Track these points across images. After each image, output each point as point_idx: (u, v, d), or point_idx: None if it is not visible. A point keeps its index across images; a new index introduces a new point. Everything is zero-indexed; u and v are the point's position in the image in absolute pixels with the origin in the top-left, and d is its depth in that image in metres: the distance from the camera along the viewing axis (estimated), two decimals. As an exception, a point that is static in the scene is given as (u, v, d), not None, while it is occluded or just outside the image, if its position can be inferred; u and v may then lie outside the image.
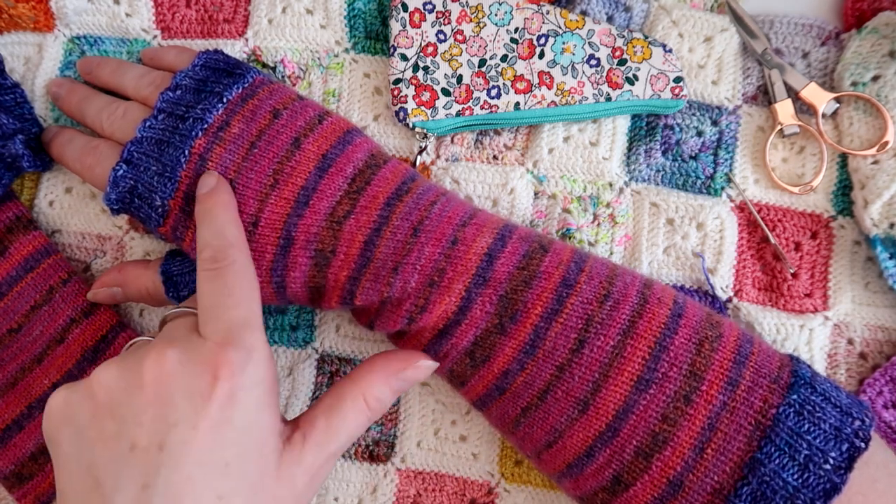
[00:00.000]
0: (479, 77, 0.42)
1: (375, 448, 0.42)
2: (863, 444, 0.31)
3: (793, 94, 0.42)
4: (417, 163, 0.43)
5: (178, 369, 0.30)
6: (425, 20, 0.42)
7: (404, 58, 0.42)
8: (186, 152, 0.37)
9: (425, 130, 0.42)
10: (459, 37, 0.42)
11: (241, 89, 0.39)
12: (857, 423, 0.32)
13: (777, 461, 0.31)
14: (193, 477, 0.28)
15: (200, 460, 0.28)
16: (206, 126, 0.37)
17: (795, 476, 0.31)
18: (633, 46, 0.41)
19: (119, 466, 0.28)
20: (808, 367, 0.34)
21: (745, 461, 0.31)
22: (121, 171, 0.38)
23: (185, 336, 0.32)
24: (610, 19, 0.43)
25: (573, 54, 0.41)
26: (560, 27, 0.42)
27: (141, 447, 0.28)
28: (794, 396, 0.32)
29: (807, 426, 0.31)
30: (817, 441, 0.31)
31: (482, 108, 0.41)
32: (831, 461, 0.31)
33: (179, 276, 0.39)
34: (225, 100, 0.38)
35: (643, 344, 0.33)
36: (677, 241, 0.42)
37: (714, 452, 0.32)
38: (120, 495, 0.27)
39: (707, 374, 0.33)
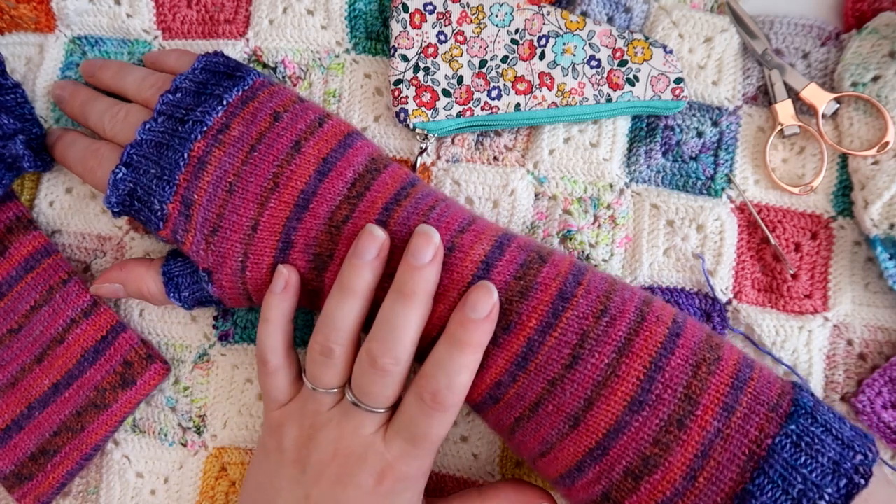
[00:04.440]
0: (479, 78, 0.42)
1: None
2: (862, 481, 0.30)
3: (793, 94, 0.42)
4: (418, 164, 0.43)
5: (361, 462, 0.34)
6: (426, 21, 0.42)
7: (405, 59, 0.42)
8: (185, 155, 0.37)
9: (426, 131, 0.42)
10: (460, 38, 0.42)
11: (241, 91, 0.39)
12: (859, 457, 0.31)
13: (769, 494, 0.30)
14: None
15: None
16: (205, 129, 0.37)
17: None
18: (634, 47, 0.41)
19: (292, 503, 0.35)
20: (812, 395, 0.33)
21: (736, 492, 0.30)
22: (120, 174, 0.38)
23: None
24: (610, 20, 0.43)
25: (574, 55, 0.41)
26: (561, 28, 0.42)
27: (312, 500, 0.34)
28: (792, 426, 0.31)
29: (803, 458, 0.30)
30: (813, 475, 0.30)
31: (483, 109, 0.41)
32: (827, 497, 0.30)
33: (181, 277, 0.39)
34: (225, 102, 0.38)
35: (638, 363, 0.32)
36: (677, 242, 0.42)
37: (706, 481, 0.31)
38: None
39: (702, 398, 0.32)
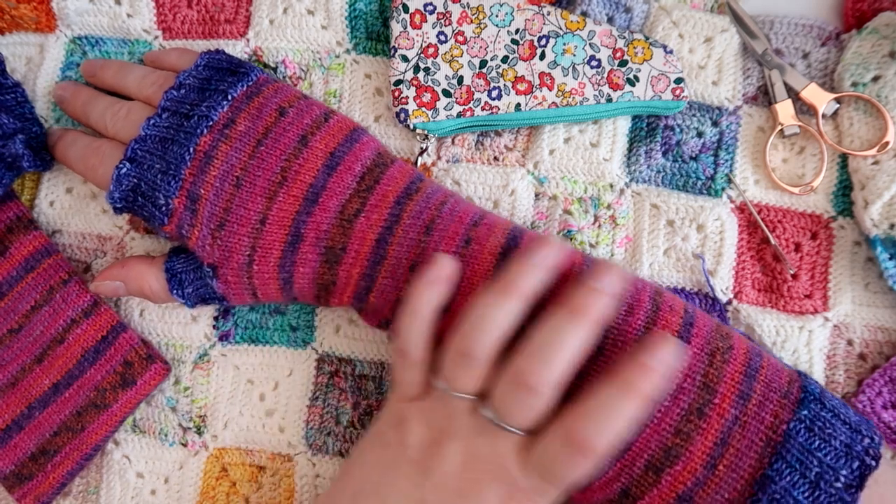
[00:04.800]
0: (479, 78, 0.42)
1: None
2: (873, 462, 0.31)
3: (793, 94, 0.42)
4: (418, 164, 0.43)
5: (491, 481, 0.31)
6: (426, 21, 0.42)
7: (405, 59, 0.42)
8: (191, 150, 0.37)
9: (426, 132, 0.42)
10: (460, 38, 0.42)
11: (245, 87, 0.39)
12: (867, 440, 0.31)
13: (788, 478, 0.30)
14: None
15: None
16: (211, 123, 0.37)
17: (806, 494, 0.30)
18: (634, 47, 0.41)
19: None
20: (816, 382, 0.34)
21: (755, 478, 0.31)
22: (124, 170, 0.38)
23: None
24: (610, 20, 0.43)
25: (574, 55, 0.41)
26: (561, 28, 0.42)
27: None
28: (805, 412, 0.31)
29: (817, 443, 0.31)
30: (828, 458, 0.31)
31: (483, 109, 0.41)
32: (842, 479, 0.30)
33: (184, 274, 0.39)
34: (230, 97, 0.38)
35: None
36: (678, 242, 0.42)
37: (725, 469, 0.31)
38: None
39: (720, 386, 0.32)
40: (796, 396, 0.32)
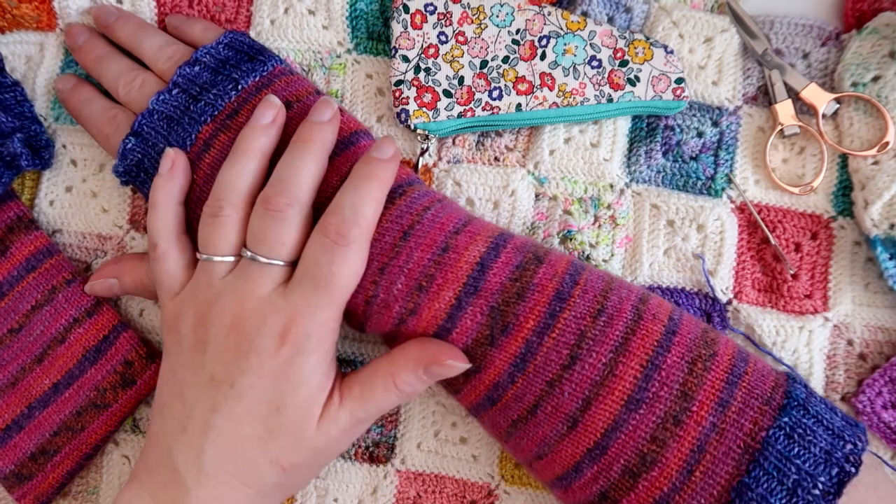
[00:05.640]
0: (480, 78, 0.42)
1: (375, 449, 0.42)
2: (853, 469, 0.31)
3: (793, 94, 0.42)
4: (419, 164, 0.43)
5: (260, 324, 0.33)
6: (427, 21, 0.42)
7: (406, 59, 0.42)
8: (193, 136, 0.38)
9: (427, 132, 0.42)
10: (461, 38, 0.42)
11: (258, 77, 0.39)
12: (849, 446, 0.32)
13: (765, 486, 0.31)
14: (251, 410, 0.33)
15: (259, 399, 0.33)
16: (216, 112, 0.38)
17: (783, 501, 0.30)
18: (635, 48, 0.42)
19: (199, 389, 0.34)
20: (804, 387, 0.34)
21: (732, 485, 0.31)
22: (130, 144, 0.38)
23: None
24: (610, 20, 0.44)
25: (575, 55, 0.42)
26: (561, 28, 0.42)
27: (217, 380, 0.33)
28: (786, 419, 0.32)
29: (796, 450, 0.31)
30: (806, 465, 0.31)
31: (484, 109, 0.42)
32: (820, 486, 0.30)
33: None
34: (239, 88, 0.38)
35: (635, 362, 0.33)
36: (678, 242, 0.42)
37: (702, 475, 0.31)
38: (196, 409, 0.33)
39: (698, 394, 0.32)
40: (779, 403, 0.32)
